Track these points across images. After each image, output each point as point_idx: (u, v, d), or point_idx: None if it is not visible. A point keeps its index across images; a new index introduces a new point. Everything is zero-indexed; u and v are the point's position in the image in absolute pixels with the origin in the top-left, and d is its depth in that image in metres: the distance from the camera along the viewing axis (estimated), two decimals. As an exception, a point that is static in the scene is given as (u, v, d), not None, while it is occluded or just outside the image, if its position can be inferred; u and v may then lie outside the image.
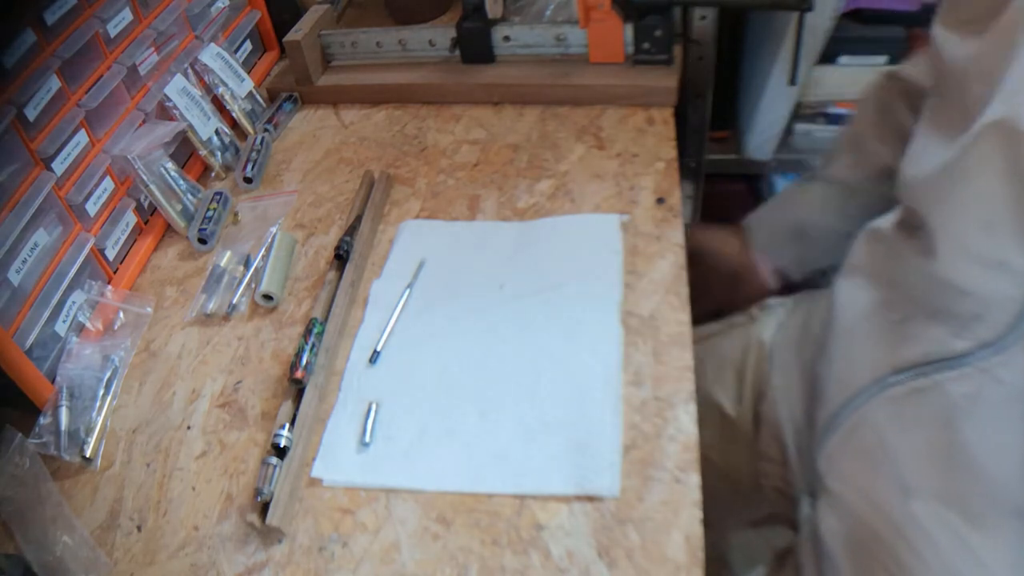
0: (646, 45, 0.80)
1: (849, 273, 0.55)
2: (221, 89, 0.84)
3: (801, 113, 0.95)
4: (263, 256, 0.70)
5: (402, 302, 0.64)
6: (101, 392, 0.60)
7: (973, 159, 0.41)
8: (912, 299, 0.47)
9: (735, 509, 0.71)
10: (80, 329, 0.64)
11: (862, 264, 0.54)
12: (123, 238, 0.71)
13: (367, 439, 0.54)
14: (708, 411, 0.71)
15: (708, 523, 0.47)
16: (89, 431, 0.58)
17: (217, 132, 0.82)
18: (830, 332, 0.56)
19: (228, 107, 0.85)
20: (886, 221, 0.52)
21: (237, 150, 0.84)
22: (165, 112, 0.77)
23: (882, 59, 0.91)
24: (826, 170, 0.71)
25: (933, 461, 0.45)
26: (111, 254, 0.69)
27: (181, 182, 0.75)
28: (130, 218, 0.72)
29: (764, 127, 0.95)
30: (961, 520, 0.44)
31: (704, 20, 0.80)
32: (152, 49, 0.76)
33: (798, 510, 0.59)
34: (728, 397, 0.69)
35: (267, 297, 0.66)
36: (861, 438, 0.50)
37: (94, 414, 0.59)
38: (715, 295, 0.76)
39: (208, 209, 0.74)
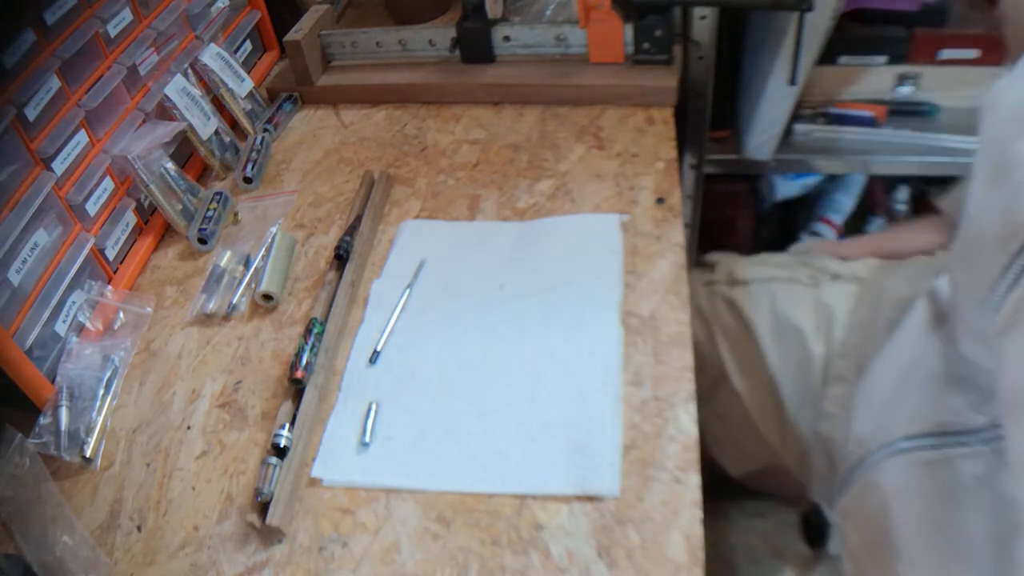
0: (646, 45, 0.80)
1: (901, 334, 0.54)
2: (221, 89, 0.84)
3: (801, 113, 0.95)
4: (263, 256, 0.70)
5: (402, 302, 0.64)
6: (101, 392, 0.60)
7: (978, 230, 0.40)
8: (949, 364, 0.46)
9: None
10: (80, 329, 0.64)
11: (914, 320, 0.53)
12: (123, 238, 0.71)
13: (367, 439, 0.54)
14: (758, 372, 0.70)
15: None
16: (89, 431, 0.58)
17: (217, 132, 0.82)
18: (864, 377, 0.55)
19: (228, 107, 0.85)
20: (945, 284, 0.50)
21: (237, 150, 0.84)
22: (165, 112, 0.77)
23: (882, 59, 0.91)
24: None
25: (930, 537, 0.44)
26: (111, 254, 0.69)
27: (181, 182, 0.75)
28: (130, 218, 0.72)
29: (764, 127, 0.95)
30: None
31: (704, 20, 0.80)
32: (152, 49, 0.76)
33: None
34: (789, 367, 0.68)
35: (267, 297, 0.66)
36: (869, 501, 0.49)
37: (94, 414, 0.59)
38: None
39: (208, 209, 0.74)
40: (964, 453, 0.42)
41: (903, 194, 1.10)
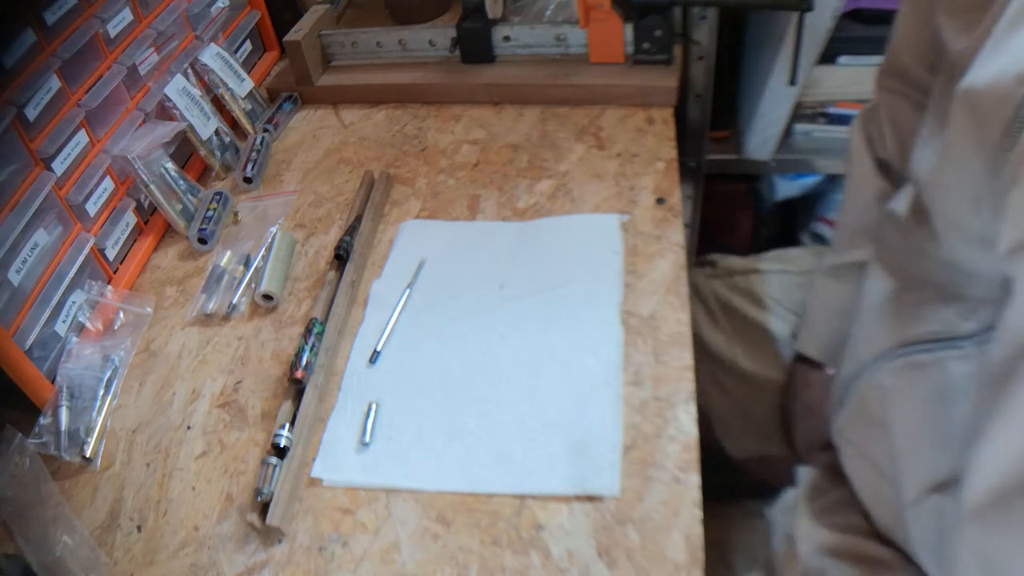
0: (646, 45, 0.80)
1: (874, 259, 0.55)
2: (221, 89, 0.84)
3: (801, 113, 0.95)
4: (263, 256, 0.70)
5: (402, 302, 0.64)
6: (101, 392, 0.60)
7: (952, 135, 0.41)
8: (927, 284, 0.47)
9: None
10: (80, 329, 0.64)
11: (883, 253, 0.54)
12: (123, 238, 0.71)
13: (367, 439, 0.54)
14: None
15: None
16: (89, 431, 0.58)
17: (217, 132, 0.82)
18: (856, 314, 0.56)
19: (228, 107, 0.85)
20: (900, 205, 0.51)
21: (237, 150, 0.84)
22: (165, 112, 0.77)
23: (882, 59, 0.90)
24: (841, 258, 0.66)
25: (925, 434, 0.46)
26: (111, 254, 0.69)
27: (181, 182, 0.75)
28: (130, 218, 0.72)
29: (764, 127, 0.95)
30: (940, 497, 0.44)
31: (704, 20, 0.80)
32: (152, 49, 0.76)
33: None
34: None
35: (267, 297, 0.66)
36: (866, 407, 0.51)
37: (94, 414, 0.59)
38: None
39: (208, 209, 0.74)
40: (955, 355, 0.44)
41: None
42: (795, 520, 0.57)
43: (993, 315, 0.42)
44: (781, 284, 0.78)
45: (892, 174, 0.60)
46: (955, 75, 0.42)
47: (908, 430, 0.47)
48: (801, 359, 0.68)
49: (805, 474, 0.60)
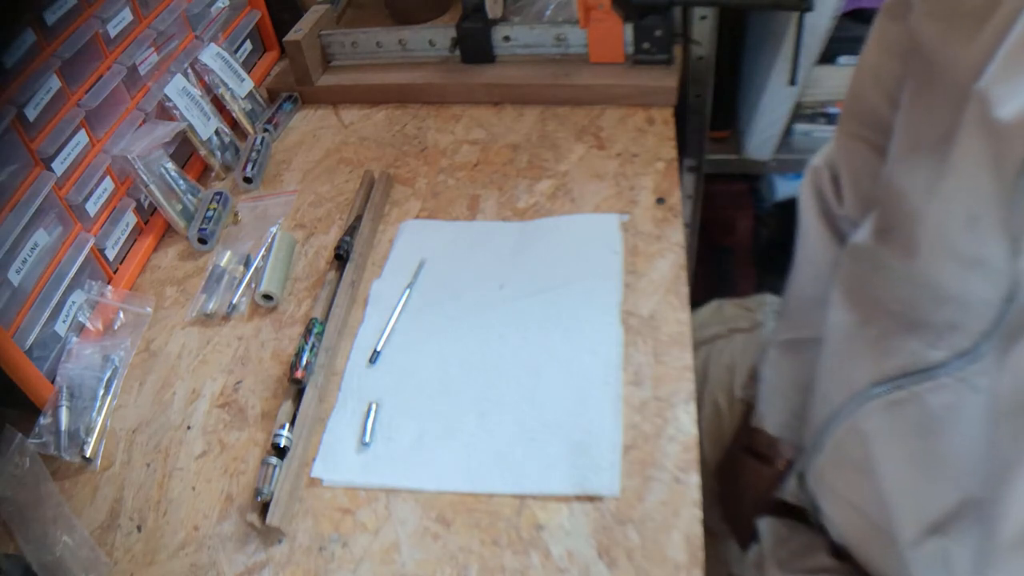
0: (646, 45, 0.80)
1: (834, 294, 0.54)
2: (221, 89, 0.84)
3: (801, 113, 0.95)
4: (263, 256, 0.70)
5: (402, 302, 0.64)
6: (101, 392, 0.60)
7: (958, 152, 0.40)
8: (890, 313, 0.47)
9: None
10: (80, 329, 0.64)
11: (843, 284, 0.53)
12: (123, 238, 0.71)
13: (367, 439, 0.54)
14: (709, 409, 0.71)
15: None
16: (89, 431, 0.58)
17: (217, 132, 0.82)
18: (820, 354, 0.55)
19: (228, 107, 0.85)
20: (862, 234, 0.51)
21: (237, 150, 0.84)
22: (165, 112, 0.77)
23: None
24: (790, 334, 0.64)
25: (913, 472, 0.45)
26: (111, 254, 0.69)
27: (181, 182, 0.75)
28: (130, 218, 0.72)
29: (764, 127, 0.95)
30: (944, 540, 0.43)
31: (704, 20, 0.80)
32: (152, 49, 0.76)
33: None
34: (723, 395, 0.69)
35: (267, 297, 0.66)
36: (845, 452, 0.50)
37: (94, 414, 0.59)
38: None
39: (208, 209, 0.74)
40: (930, 387, 0.43)
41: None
42: (764, 573, 0.57)
43: (963, 342, 0.41)
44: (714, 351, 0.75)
45: (845, 237, 0.58)
46: (950, 82, 0.41)
47: (895, 472, 0.46)
48: (746, 449, 0.65)
49: (765, 526, 0.60)
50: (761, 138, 0.96)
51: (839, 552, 0.55)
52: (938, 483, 0.44)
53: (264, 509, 0.50)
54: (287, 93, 0.91)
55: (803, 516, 0.59)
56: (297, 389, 0.57)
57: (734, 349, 0.73)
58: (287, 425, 0.54)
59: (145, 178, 0.71)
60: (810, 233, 0.61)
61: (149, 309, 0.68)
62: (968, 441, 0.42)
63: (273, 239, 0.70)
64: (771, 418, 0.63)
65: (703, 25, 0.81)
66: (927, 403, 0.43)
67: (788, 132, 0.96)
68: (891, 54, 0.50)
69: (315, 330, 0.59)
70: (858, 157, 0.56)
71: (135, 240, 0.74)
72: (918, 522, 0.45)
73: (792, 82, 0.85)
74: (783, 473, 0.61)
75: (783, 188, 1.10)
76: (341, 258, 0.67)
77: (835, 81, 0.92)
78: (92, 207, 0.67)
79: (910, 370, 0.44)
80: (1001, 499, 0.37)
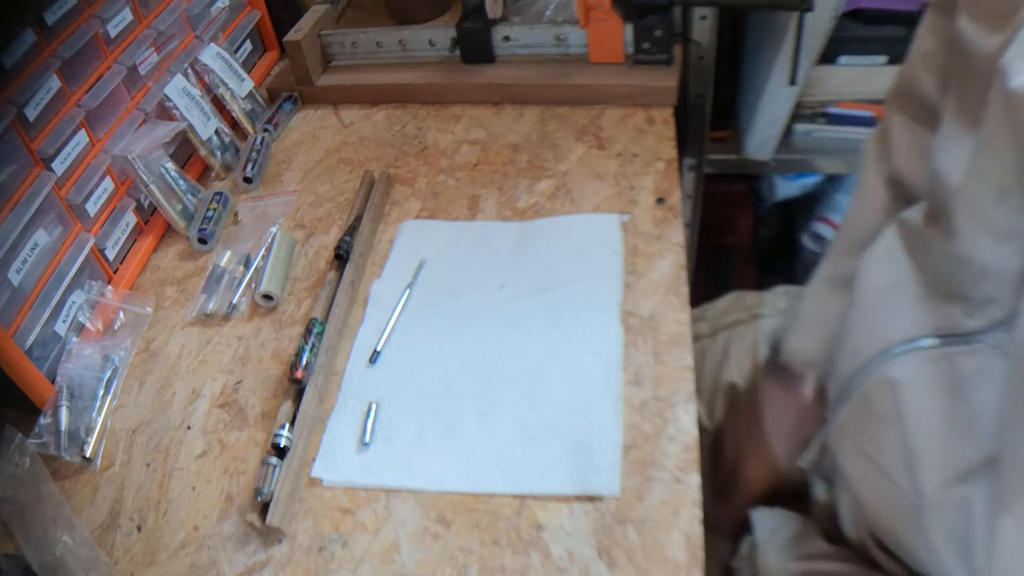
0: (646, 45, 0.80)
1: (873, 258, 0.55)
2: (221, 89, 0.84)
3: (801, 113, 0.95)
4: (263, 256, 0.70)
5: (402, 302, 0.64)
6: (101, 392, 0.60)
7: (987, 128, 0.42)
8: (931, 283, 0.48)
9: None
10: (80, 329, 0.64)
11: (890, 247, 0.54)
12: (123, 238, 0.71)
13: (367, 439, 0.54)
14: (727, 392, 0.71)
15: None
16: (89, 431, 0.58)
17: (217, 132, 0.82)
18: (848, 310, 0.56)
19: (228, 107, 0.85)
20: (914, 213, 0.52)
21: (237, 150, 0.84)
22: (165, 112, 0.77)
23: (882, 59, 0.90)
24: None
25: (941, 427, 0.46)
26: (111, 254, 0.69)
27: (181, 182, 0.75)
28: (130, 218, 0.72)
29: (764, 127, 0.95)
30: (967, 487, 0.44)
31: (704, 20, 0.80)
32: (152, 49, 0.76)
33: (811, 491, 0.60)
34: (742, 377, 0.69)
35: (267, 297, 0.66)
36: (872, 404, 0.51)
37: (94, 414, 0.59)
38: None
39: (208, 209, 0.74)
40: (964, 351, 0.45)
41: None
42: (759, 563, 0.58)
43: (999, 312, 0.43)
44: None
45: (901, 189, 0.60)
46: (985, 74, 0.42)
47: (923, 423, 0.47)
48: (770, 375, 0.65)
49: (759, 516, 0.60)
50: (761, 138, 0.96)
51: (831, 537, 0.56)
52: (965, 440, 0.44)
53: (264, 509, 0.50)
54: (287, 93, 0.91)
55: (794, 505, 0.60)
56: (297, 389, 0.57)
57: (758, 332, 0.73)
58: (287, 425, 0.54)
59: (145, 178, 0.71)
60: (867, 176, 0.62)
61: (149, 309, 0.68)
62: (997, 404, 0.43)
63: (273, 239, 0.70)
64: (803, 348, 0.63)
65: (703, 25, 0.81)
66: (959, 365, 0.45)
67: (788, 132, 0.96)
68: (940, 41, 0.53)
69: (315, 330, 0.59)
70: (909, 129, 0.58)
71: (135, 240, 0.74)
72: (943, 473, 0.46)
73: (792, 82, 0.85)
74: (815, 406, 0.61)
75: (783, 188, 1.11)
76: (341, 258, 0.67)
77: (835, 81, 0.92)
78: (92, 207, 0.67)
79: (946, 332, 0.46)
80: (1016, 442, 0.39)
